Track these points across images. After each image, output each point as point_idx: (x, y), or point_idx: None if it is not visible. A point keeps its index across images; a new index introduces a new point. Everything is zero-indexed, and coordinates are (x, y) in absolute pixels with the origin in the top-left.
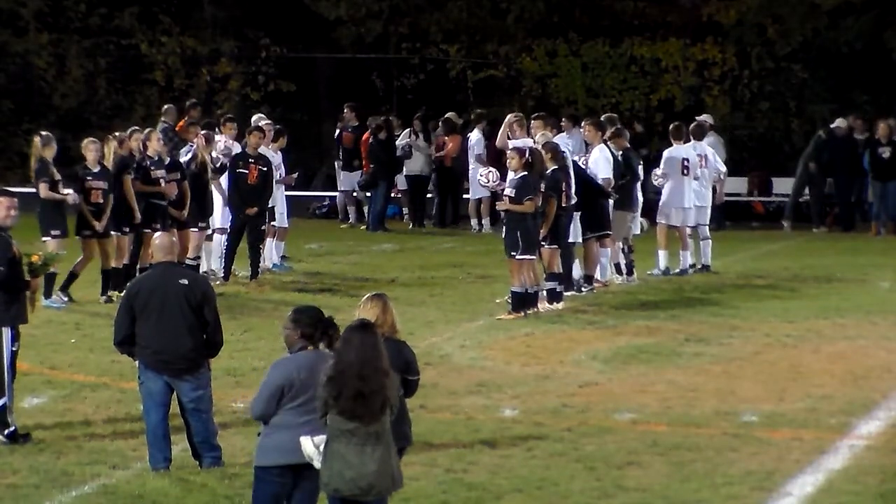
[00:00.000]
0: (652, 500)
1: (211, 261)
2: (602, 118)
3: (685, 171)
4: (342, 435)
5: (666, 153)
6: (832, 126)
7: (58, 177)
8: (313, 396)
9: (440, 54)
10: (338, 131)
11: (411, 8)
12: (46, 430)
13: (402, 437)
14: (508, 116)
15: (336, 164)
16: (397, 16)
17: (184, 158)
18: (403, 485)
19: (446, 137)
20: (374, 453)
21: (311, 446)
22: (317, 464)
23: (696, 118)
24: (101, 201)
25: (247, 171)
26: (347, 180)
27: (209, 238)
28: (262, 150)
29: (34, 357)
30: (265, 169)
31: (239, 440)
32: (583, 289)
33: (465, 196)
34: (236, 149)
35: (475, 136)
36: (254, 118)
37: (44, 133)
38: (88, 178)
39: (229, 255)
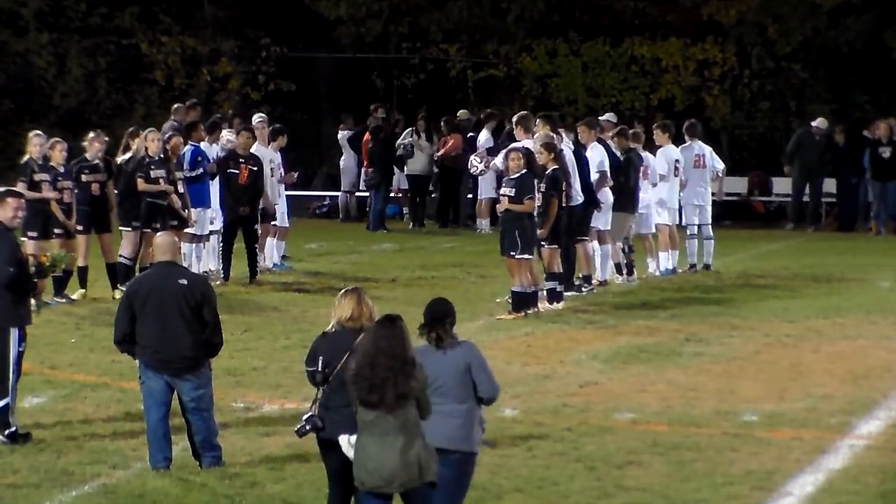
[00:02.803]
0: (652, 499)
1: (209, 261)
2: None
3: (676, 172)
4: (366, 427)
5: (662, 153)
6: (813, 124)
7: (40, 176)
8: (440, 384)
9: (440, 54)
10: (350, 132)
11: (411, 8)
12: (46, 429)
13: None
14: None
15: (345, 161)
16: (397, 15)
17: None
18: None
19: (448, 136)
20: (394, 444)
21: (346, 444)
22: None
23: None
24: (71, 200)
25: (237, 172)
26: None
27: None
28: (261, 149)
29: (34, 357)
30: (256, 169)
31: (239, 440)
32: (583, 289)
33: (468, 196)
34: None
35: (484, 135)
36: (254, 118)
37: (37, 132)
38: (59, 178)
39: (226, 256)
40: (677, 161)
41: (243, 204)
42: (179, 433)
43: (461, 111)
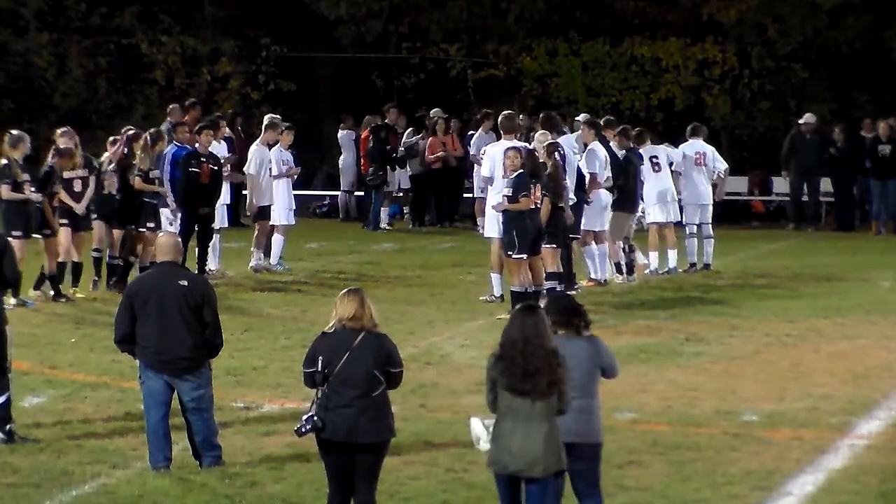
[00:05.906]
0: (652, 499)
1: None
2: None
3: (656, 168)
4: (510, 413)
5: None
6: (800, 122)
7: (23, 177)
8: (572, 376)
9: (440, 54)
10: (352, 131)
11: (411, 7)
12: (46, 429)
13: (385, 429)
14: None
15: (345, 161)
16: (397, 15)
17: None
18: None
19: (443, 138)
20: (540, 429)
21: (480, 427)
22: (484, 444)
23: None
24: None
25: (200, 171)
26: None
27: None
28: (262, 149)
29: (34, 357)
30: (216, 168)
31: (239, 440)
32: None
33: (465, 195)
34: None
35: (479, 134)
36: (266, 118)
37: (14, 132)
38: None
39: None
40: (654, 157)
41: (203, 203)
42: (179, 433)
43: (434, 110)
